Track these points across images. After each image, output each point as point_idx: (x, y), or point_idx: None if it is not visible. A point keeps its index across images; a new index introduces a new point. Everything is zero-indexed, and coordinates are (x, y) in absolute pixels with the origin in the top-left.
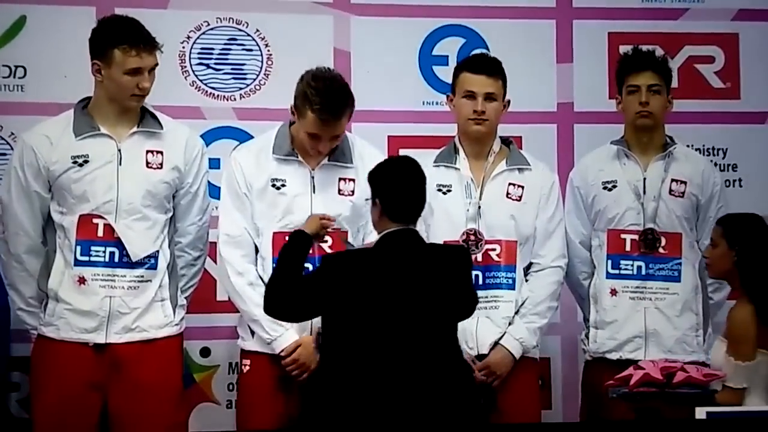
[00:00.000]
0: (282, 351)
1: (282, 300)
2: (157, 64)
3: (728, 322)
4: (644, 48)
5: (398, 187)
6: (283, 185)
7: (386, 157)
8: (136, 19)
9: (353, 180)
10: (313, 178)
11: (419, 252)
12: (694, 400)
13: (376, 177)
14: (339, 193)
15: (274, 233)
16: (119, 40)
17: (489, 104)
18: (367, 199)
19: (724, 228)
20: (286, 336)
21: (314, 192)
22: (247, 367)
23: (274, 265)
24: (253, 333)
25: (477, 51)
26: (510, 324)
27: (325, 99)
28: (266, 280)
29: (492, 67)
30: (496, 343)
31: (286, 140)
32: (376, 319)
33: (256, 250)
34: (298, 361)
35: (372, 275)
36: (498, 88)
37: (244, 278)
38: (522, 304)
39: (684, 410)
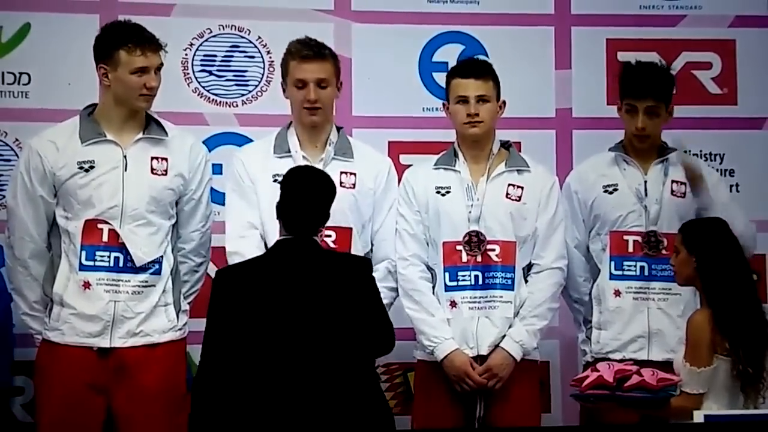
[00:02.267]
0: None
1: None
2: (162, 64)
3: (687, 327)
4: (645, 64)
5: (289, 198)
6: None
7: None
8: (137, 23)
9: (354, 174)
10: None
11: (314, 261)
12: (645, 405)
13: (284, 180)
14: (341, 186)
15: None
16: (124, 40)
17: (482, 106)
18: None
19: (684, 235)
20: None
21: None
22: None
23: None
24: None
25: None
26: (510, 326)
27: (303, 41)
28: None
29: (481, 70)
30: (496, 345)
31: (285, 140)
32: (266, 330)
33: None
34: None
35: (262, 286)
36: (489, 90)
37: None
38: (521, 305)
39: (637, 413)
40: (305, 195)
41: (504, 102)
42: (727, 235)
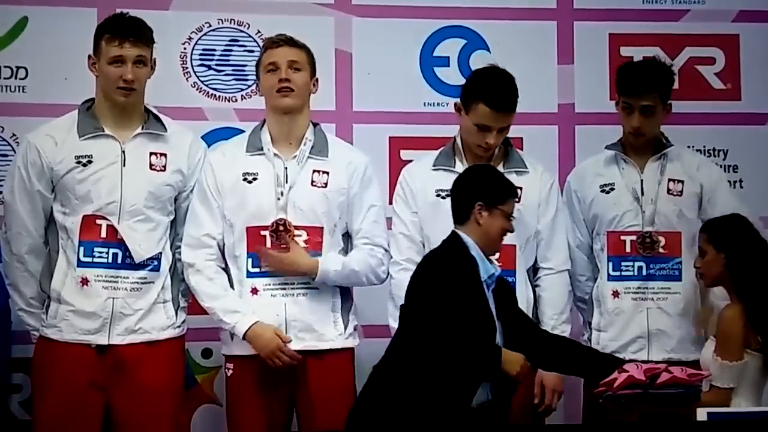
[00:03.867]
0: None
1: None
2: (142, 56)
3: (717, 321)
4: (646, 61)
5: None
6: (255, 179)
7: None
8: (134, 16)
9: (327, 172)
10: (286, 169)
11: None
12: (678, 401)
13: None
14: (312, 185)
15: (247, 228)
16: (106, 30)
17: (499, 135)
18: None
19: (709, 234)
20: (244, 320)
21: (286, 182)
22: (230, 371)
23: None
24: (232, 337)
25: (479, 52)
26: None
27: (274, 37)
28: (241, 278)
29: (511, 104)
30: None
31: (258, 138)
32: None
33: (222, 253)
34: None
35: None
36: (511, 120)
37: (203, 274)
38: (543, 312)
39: (670, 410)
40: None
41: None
42: (751, 229)
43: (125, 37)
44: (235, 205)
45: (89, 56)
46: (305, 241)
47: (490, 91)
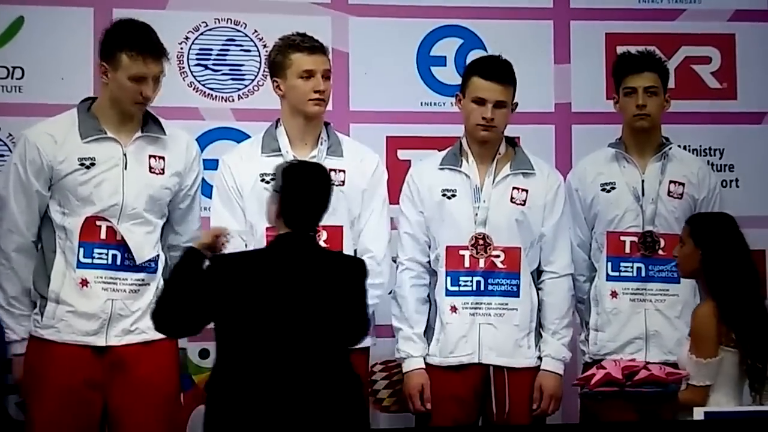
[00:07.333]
0: None
1: (169, 316)
2: (163, 73)
3: (691, 319)
4: (641, 49)
5: (300, 194)
6: (273, 179)
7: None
8: (148, 26)
9: (343, 170)
10: None
11: (313, 258)
12: (655, 399)
13: (286, 175)
14: None
15: (267, 228)
16: (128, 44)
17: (498, 111)
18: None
19: (692, 227)
20: None
21: None
22: None
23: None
24: None
25: (475, 51)
26: (542, 342)
27: (302, 35)
28: None
29: (504, 75)
30: (538, 368)
31: (273, 139)
32: (261, 323)
33: None
34: None
35: (260, 278)
36: (508, 95)
37: None
38: (545, 317)
39: (648, 410)
40: (308, 191)
41: (516, 103)
42: (734, 230)
43: (150, 55)
44: (255, 208)
45: (102, 63)
46: (325, 240)
47: (482, 64)
